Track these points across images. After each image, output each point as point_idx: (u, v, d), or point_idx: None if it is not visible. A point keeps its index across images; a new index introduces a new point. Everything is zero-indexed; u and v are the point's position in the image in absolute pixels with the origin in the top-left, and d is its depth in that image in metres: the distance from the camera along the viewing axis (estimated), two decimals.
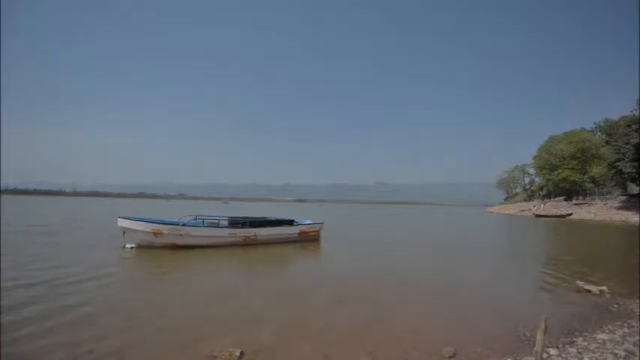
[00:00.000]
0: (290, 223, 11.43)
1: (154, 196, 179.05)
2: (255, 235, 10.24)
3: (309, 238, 11.67)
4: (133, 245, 8.94)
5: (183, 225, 9.23)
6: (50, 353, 3.08)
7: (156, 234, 8.91)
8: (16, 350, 3.12)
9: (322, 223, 12.59)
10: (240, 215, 11.90)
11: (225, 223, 10.55)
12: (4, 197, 59.90)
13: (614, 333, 3.86)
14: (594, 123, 56.96)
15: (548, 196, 54.62)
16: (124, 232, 8.98)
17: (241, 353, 3.14)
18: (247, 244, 10.07)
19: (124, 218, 9.03)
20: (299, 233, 11.38)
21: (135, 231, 8.92)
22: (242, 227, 10.20)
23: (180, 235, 9.08)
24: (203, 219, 10.45)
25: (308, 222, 12.22)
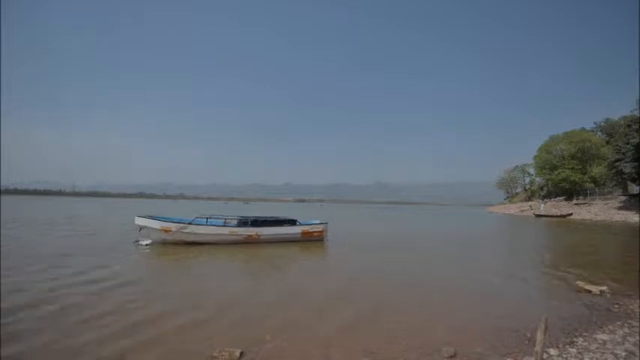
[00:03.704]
0: (292, 222, 11.43)
1: (152, 196, 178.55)
2: (257, 235, 10.44)
3: (313, 239, 11.56)
4: (148, 242, 9.61)
5: (189, 223, 9.82)
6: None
7: (166, 231, 9.64)
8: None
9: (326, 223, 12.29)
10: (255, 215, 11.89)
11: (245, 222, 10.66)
12: (4, 197, 59.86)
13: (615, 333, 3.86)
14: (594, 123, 56.95)
15: (549, 196, 54.54)
16: (139, 229, 9.85)
17: (241, 353, 3.14)
18: (249, 242, 10.28)
19: (141, 217, 10.02)
20: (302, 233, 11.33)
21: (150, 229, 9.78)
22: (244, 226, 10.40)
23: (186, 232, 9.68)
24: (207, 218, 10.57)
25: (315, 222, 12.13)
